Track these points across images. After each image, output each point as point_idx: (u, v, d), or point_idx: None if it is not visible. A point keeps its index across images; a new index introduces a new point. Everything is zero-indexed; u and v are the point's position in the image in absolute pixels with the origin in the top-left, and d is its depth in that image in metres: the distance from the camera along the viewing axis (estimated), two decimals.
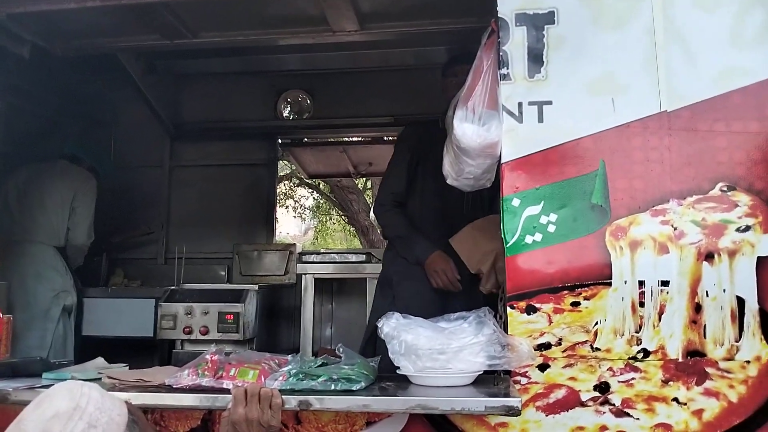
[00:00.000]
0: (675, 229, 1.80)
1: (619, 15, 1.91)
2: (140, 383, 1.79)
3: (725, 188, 1.81)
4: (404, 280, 2.75)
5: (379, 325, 1.83)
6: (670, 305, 1.78)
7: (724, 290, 1.77)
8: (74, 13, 2.60)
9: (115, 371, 1.91)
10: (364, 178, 8.57)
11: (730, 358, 1.75)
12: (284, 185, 10.72)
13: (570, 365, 1.79)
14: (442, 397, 1.64)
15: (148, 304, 3.65)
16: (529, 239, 1.83)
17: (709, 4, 1.89)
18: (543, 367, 1.79)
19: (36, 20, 2.76)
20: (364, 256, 3.85)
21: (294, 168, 7.96)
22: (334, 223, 12.90)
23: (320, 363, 1.78)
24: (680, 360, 1.76)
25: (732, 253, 1.78)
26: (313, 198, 12.11)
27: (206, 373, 1.73)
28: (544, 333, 1.80)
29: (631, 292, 1.79)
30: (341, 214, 10.96)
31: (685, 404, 1.73)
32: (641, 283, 1.79)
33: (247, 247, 4.27)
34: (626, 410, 1.74)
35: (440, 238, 2.71)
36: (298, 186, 11.20)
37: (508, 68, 1.91)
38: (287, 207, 11.65)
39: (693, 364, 1.75)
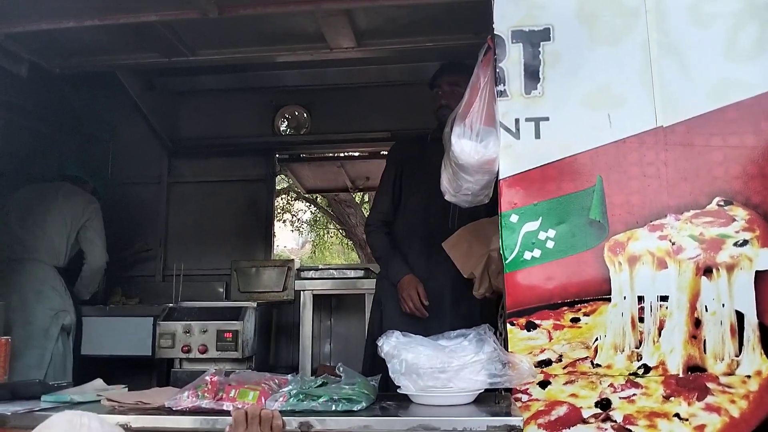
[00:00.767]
0: (673, 243, 1.80)
1: (615, 31, 1.93)
2: (139, 405, 1.78)
3: (722, 203, 1.82)
4: (390, 299, 2.76)
5: (379, 343, 1.83)
6: (670, 320, 1.78)
7: (723, 305, 1.77)
8: (72, 32, 2.62)
9: (114, 393, 1.90)
10: (362, 193, 8.57)
11: (731, 373, 1.75)
12: (282, 199, 10.72)
13: (571, 382, 1.78)
14: (444, 417, 1.64)
15: (146, 322, 3.62)
16: (528, 255, 1.83)
17: (703, 19, 1.91)
18: (544, 384, 1.79)
19: (34, 38, 2.77)
20: (363, 271, 3.84)
21: (291, 182, 7.97)
22: (331, 237, 12.88)
23: (320, 383, 1.77)
24: (681, 375, 1.76)
25: (730, 268, 1.78)
26: (311, 212, 12.11)
27: (206, 394, 1.72)
28: (545, 349, 1.80)
29: (631, 308, 1.79)
30: (339, 227, 10.95)
31: (687, 420, 1.73)
32: (640, 299, 1.80)
33: (246, 264, 4.25)
34: (628, 427, 1.74)
35: (426, 253, 2.72)
36: (295, 200, 11.20)
37: (504, 85, 1.92)
38: (284, 221, 11.64)
39: (694, 380, 1.75)
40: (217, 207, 4.54)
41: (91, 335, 3.66)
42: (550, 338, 1.80)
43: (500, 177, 1.89)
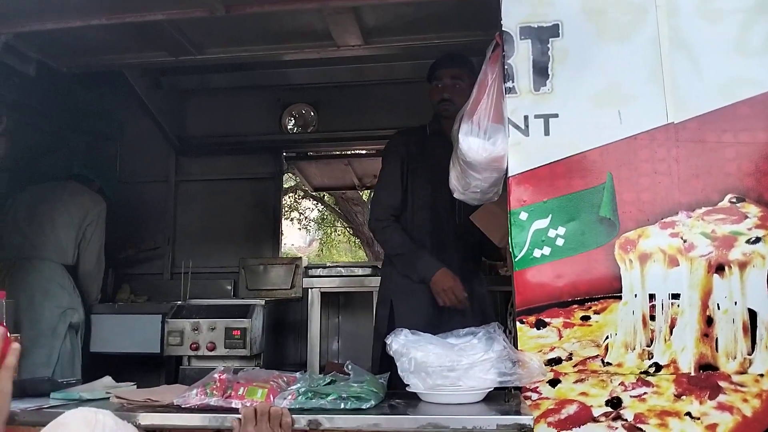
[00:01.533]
0: (684, 241, 1.78)
1: (624, 27, 1.91)
2: (148, 403, 1.78)
3: (734, 200, 1.80)
4: (403, 297, 2.69)
5: (388, 342, 1.82)
6: (682, 318, 1.76)
7: (736, 303, 1.75)
8: (80, 31, 2.61)
9: (123, 391, 1.90)
10: (369, 191, 8.57)
11: (743, 372, 1.73)
12: (289, 197, 10.74)
13: (581, 380, 1.77)
14: (453, 416, 1.63)
15: (155, 320, 3.64)
16: (537, 253, 1.82)
17: (714, 15, 1.88)
18: (554, 383, 1.77)
19: (41, 38, 2.78)
20: (370, 269, 3.84)
21: (299, 180, 7.98)
22: (338, 235, 12.90)
23: (329, 381, 1.77)
24: (692, 374, 1.74)
25: (743, 265, 1.76)
26: (318, 210, 12.12)
27: (215, 392, 1.72)
28: (555, 348, 1.79)
29: (642, 306, 1.78)
30: (346, 225, 10.96)
31: (699, 419, 1.71)
32: (652, 297, 1.78)
33: (253, 261, 4.26)
34: (639, 426, 1.72)
35: (433, 250, 2.69)
36: (302, 198, 11.21)
37: (513, 81, 1.90)
38: (292, 219, 11.67)
39: (705, 378, 1.74)
40: (224, 205, 4.56)
41: (100, 333, 3.68)
42: (560, 336, 1.79)
43: (509, 174, 1.87)
